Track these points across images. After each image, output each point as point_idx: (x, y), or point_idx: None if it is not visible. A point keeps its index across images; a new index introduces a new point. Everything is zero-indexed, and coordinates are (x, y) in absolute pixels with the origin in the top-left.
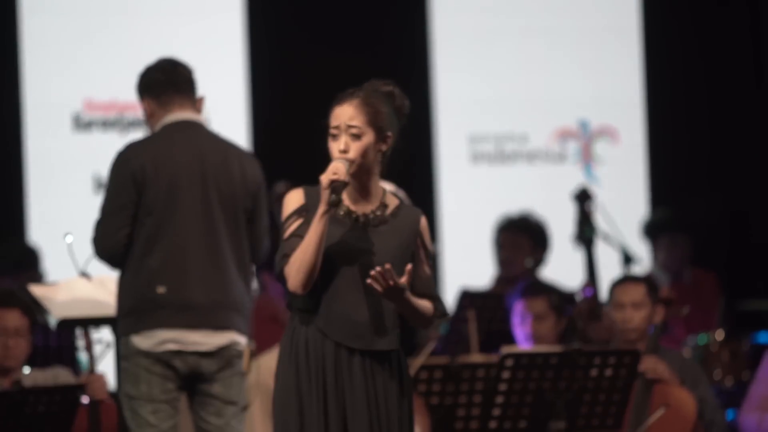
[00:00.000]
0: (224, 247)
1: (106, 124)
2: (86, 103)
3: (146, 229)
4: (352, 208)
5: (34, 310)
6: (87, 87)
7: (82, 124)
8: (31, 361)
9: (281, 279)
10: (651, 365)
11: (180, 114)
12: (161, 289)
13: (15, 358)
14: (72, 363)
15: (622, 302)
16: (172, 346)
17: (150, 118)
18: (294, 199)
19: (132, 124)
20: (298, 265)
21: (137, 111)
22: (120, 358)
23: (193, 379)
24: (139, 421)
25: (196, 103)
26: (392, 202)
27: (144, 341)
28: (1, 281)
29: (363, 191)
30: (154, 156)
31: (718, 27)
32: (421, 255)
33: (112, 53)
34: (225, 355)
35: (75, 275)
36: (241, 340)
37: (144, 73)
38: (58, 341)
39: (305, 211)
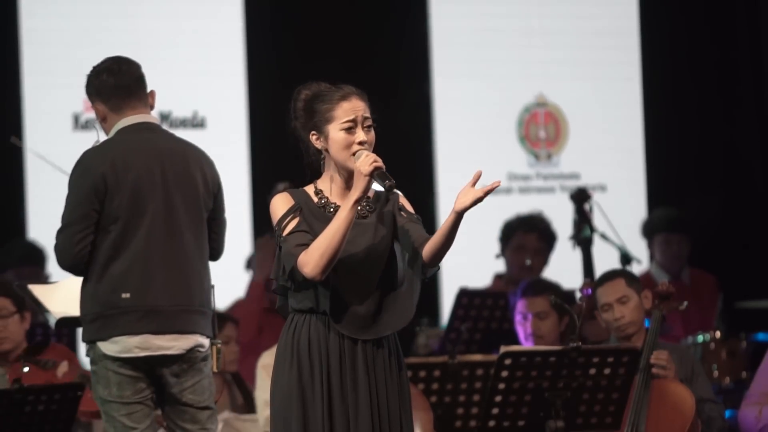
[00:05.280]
0: (188, 250)
1: None
2: (86, 103)
3: (111, 236)
4: (339, 203)
5: (35, 310)
6: None
7: (82, 123)
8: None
9: (293, 274)
10: (663, 360)
11: (133, 117)
12: (125, 295)
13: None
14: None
15: (608, 302)
16: (139, 353)
17: (102, 122)
18: (282, 201)
19: None
20: (323, 250)
21: None
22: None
23: (158, 381)
24: (115, 425)
25: (148, 100)
26: (370, 193)
27: (110, 347)
28: (3, 276)
29: (349, 186)
30: (113, 163)
31: (717, 29)
32: (405, 217)
33: (111, 53)
34: (188, 358)
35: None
36: (205, 342)
37: (91, 75)
38: (58, 340)
39: (300, 210)
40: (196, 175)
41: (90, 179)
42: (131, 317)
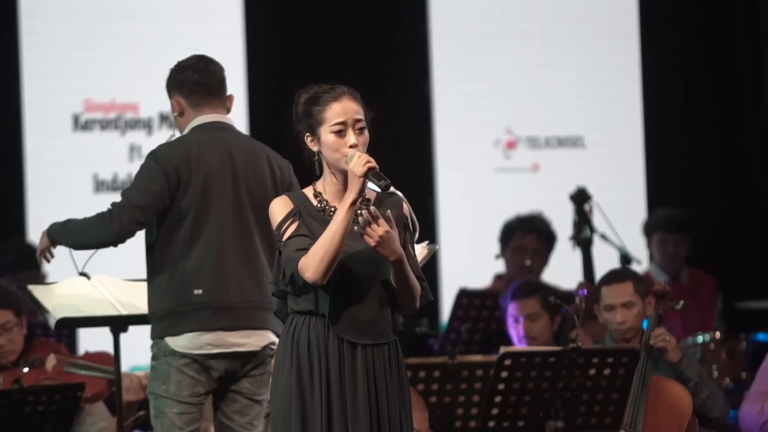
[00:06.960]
0: (258, 248)
1: (106, 124)
2: (86, 103)
3: (183, 231)
4: (338, 205)
5: (35, 309)
6: (87, 87)
7: (81, 124)
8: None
9: (293, 279)
10: (661, 335)
11: (211, 116)
12: (198, 291)
13: (5, 355)
14: None
15: (612, 304)
16: (211, 350)
17: (179, 116)
18: (281, 205)
19: (131, 125)
20: (322, 254)
21: (136, 111)
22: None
23: (225, 380)
24: (164, 421)
25: (226, 102)
26: (371, 195)
27: (182, 342)
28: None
29: (346, 187)
30: (187, 158)
31: (717, 29)
32: (407, 238)
33: (111, 54)
34: (261, 355)
35: (75, 275)
36: (277, 340)
37: (176, 69)
38: (58, 340)
39: (299, 214)
40: (266, 176)
41: (163, 170)
42: (203, 313)
